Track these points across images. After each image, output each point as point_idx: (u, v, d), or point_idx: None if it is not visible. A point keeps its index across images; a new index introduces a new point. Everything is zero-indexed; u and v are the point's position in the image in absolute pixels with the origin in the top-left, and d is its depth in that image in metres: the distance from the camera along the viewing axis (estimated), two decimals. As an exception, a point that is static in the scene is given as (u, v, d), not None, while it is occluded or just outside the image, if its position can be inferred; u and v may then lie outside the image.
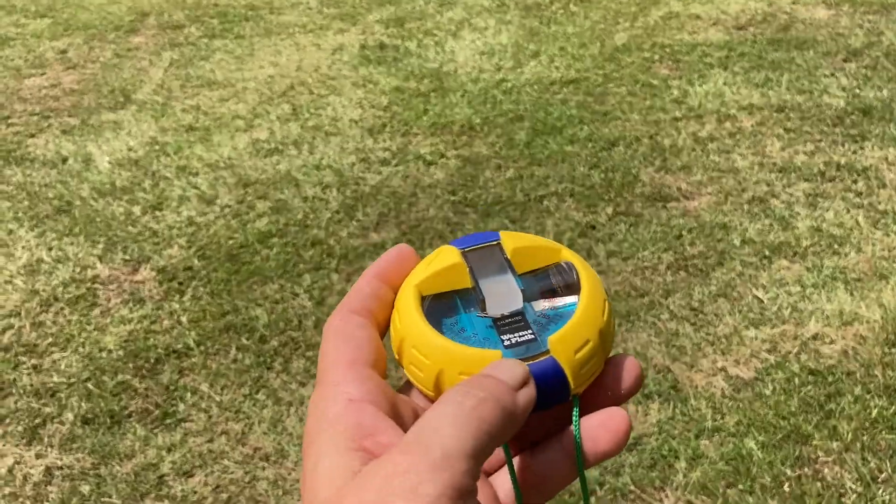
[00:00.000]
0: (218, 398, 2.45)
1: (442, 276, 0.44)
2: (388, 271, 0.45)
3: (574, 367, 0.41)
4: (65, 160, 3.76)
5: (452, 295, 0.45)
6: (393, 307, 0.45)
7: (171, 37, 5.10)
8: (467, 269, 0.44)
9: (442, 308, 0.44)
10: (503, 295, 0.44)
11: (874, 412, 2.31)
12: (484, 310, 0.43)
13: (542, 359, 0.41)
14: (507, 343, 0.42)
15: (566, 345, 0.41)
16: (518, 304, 0.43)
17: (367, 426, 0.37)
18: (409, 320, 0.43)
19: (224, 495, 2.17)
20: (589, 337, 0.42)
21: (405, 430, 0.37)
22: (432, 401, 0.42)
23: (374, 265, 0.46)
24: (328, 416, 0.38)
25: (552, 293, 0.45)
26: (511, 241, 0.45)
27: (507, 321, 0.43)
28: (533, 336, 0.42)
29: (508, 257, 0.45)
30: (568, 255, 0.46)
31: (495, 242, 0.45)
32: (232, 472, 2.22)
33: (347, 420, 0.37)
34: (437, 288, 0.44)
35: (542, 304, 0.44)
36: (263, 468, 2.23)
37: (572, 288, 0.45)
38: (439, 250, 0.46)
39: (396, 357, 0.44)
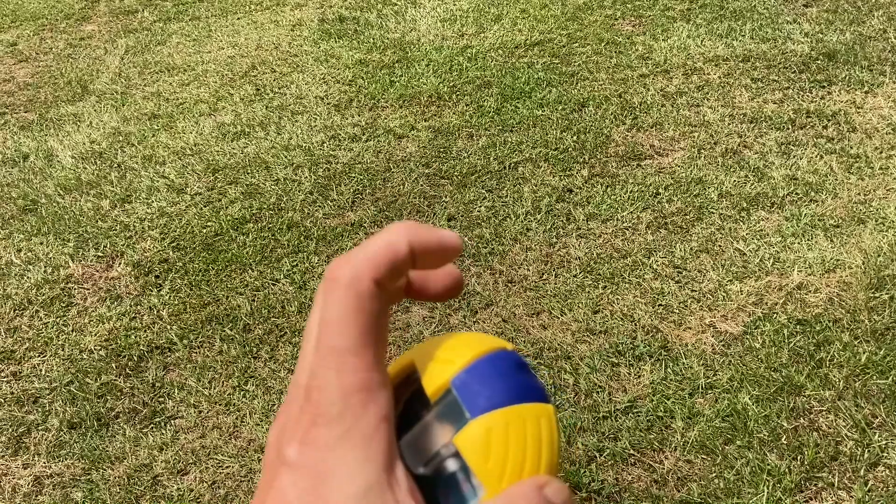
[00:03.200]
0: (206, 392, 2.41)
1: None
2: (423, 253, 0.41)
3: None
4: (26, 157, 3.66)
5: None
6: None
7: (124, 23, 4.98)
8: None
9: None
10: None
11: (863, 358, 2.32)
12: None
13: None
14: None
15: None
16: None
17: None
18: None
19: (221, 491, 2.14)
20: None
21: None
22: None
23: (415, 234, 0.42)
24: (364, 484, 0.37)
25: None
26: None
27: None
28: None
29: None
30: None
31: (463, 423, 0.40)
32: (228, 467, 2.19)
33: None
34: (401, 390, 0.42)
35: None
36: (259, 460, 2.20)
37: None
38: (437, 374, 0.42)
39: None
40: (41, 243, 3.08)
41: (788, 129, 3.39)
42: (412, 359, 0.41)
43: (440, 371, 0.40)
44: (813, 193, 3.01)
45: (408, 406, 0.41)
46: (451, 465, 0.39)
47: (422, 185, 3.22)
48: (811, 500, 2.00)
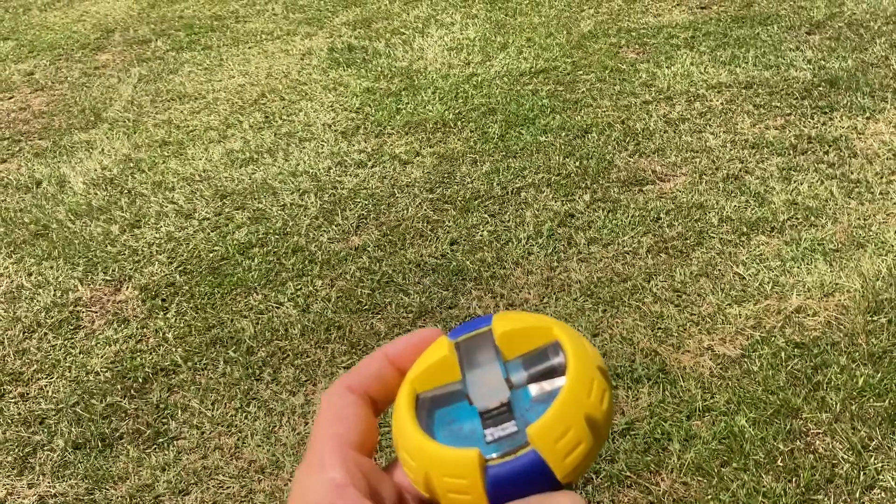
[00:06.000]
0: (209, 413, 2.45)
1: (434, 370, 0.44)
2: (403, 354, 0.45)
3: (556, 457, 0.40)
4: (39, 183, 3.73)
5: (449, 387, 0.44)
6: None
7: (138, 52, 5.07)
8: (457, 362, 0.44)
9: (440, 400, 0.44)
10: (490, 386, 0.43)
11: (860, 381, 2.33)
12: (471, 403, 0.43)
13: (523, 452, 0.40)
14: (489, 438, 0.41)
15: (546, 434, 0.40)
16: (504, 394, 0.43)
17: None
18: (400, 421, 0.43)
19: (222, 510, 2.17)
20: (571, 424, 0.40)
21: None
22: (424, 500, 0.43)
23: (390, 344, 0.46)
24: (314, 498, 0.39)
25: (545, 376, 0.43)
26: (502, 324, 0.44)
27: (493, 413, 0.42)
28: (516, 429, 0.41)
29: (497, 344, 0.44)
30: (559, 333, 0.44)
31: (486, 329, 0.44)
32: (228, 488, 2.22)
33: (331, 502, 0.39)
34: (433, 383, 0.44)
35: (536, 390, 0.43)
36: (259, 481, 2.23)
37: (562, 369, 0.43)
38: (436, 342, 0.46)
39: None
40: (51, 267, 3.14)
41: (790, 154, 3.42)
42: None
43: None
44: (813, 218, 3.03)
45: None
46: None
47: (425, 210, 3.26)
48: (806, 521, 2.01)
